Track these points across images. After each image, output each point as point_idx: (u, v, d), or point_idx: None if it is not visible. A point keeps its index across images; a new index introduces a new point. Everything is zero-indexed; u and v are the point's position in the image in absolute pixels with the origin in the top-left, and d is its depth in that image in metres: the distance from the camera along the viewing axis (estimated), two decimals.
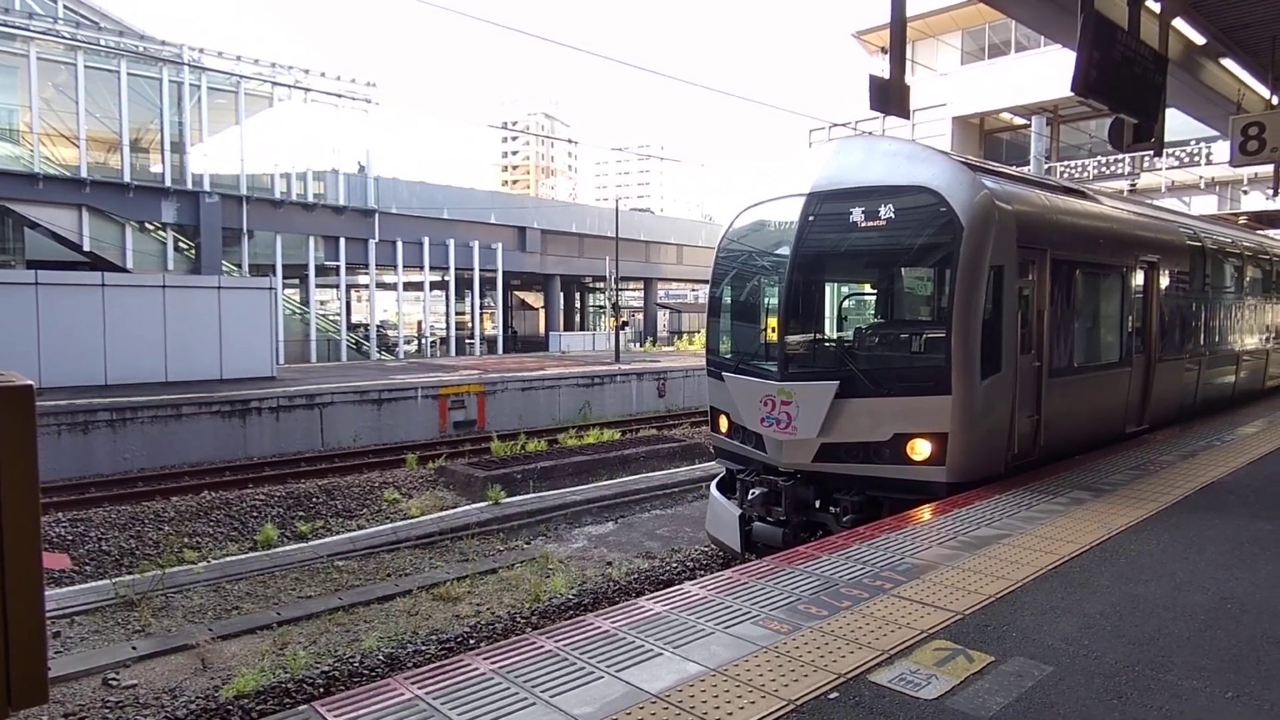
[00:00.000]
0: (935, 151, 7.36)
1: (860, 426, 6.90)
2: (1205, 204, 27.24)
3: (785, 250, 7.40)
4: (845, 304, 8.56)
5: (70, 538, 11.58)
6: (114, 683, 7.60)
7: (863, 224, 7.07)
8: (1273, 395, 14.32)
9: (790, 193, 7.61)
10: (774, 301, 7.59)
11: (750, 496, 7.54)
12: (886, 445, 6.86)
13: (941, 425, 6.67)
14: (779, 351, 7.32)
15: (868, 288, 8.72)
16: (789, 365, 7.28)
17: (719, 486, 8.56)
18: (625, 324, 39.72)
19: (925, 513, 6.18)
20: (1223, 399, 12.34)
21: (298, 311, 35.29)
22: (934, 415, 6.69)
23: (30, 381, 2.04)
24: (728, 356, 8.29)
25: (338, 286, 36.34)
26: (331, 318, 38.25)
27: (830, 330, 7.83)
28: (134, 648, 8.27)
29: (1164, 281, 10.03)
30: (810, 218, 7.31)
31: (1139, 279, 9.53)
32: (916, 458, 6.78)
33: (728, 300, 8.60)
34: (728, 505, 8.06)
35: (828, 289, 8.12)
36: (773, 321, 7.57)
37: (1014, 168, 9.53)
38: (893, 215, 6.94)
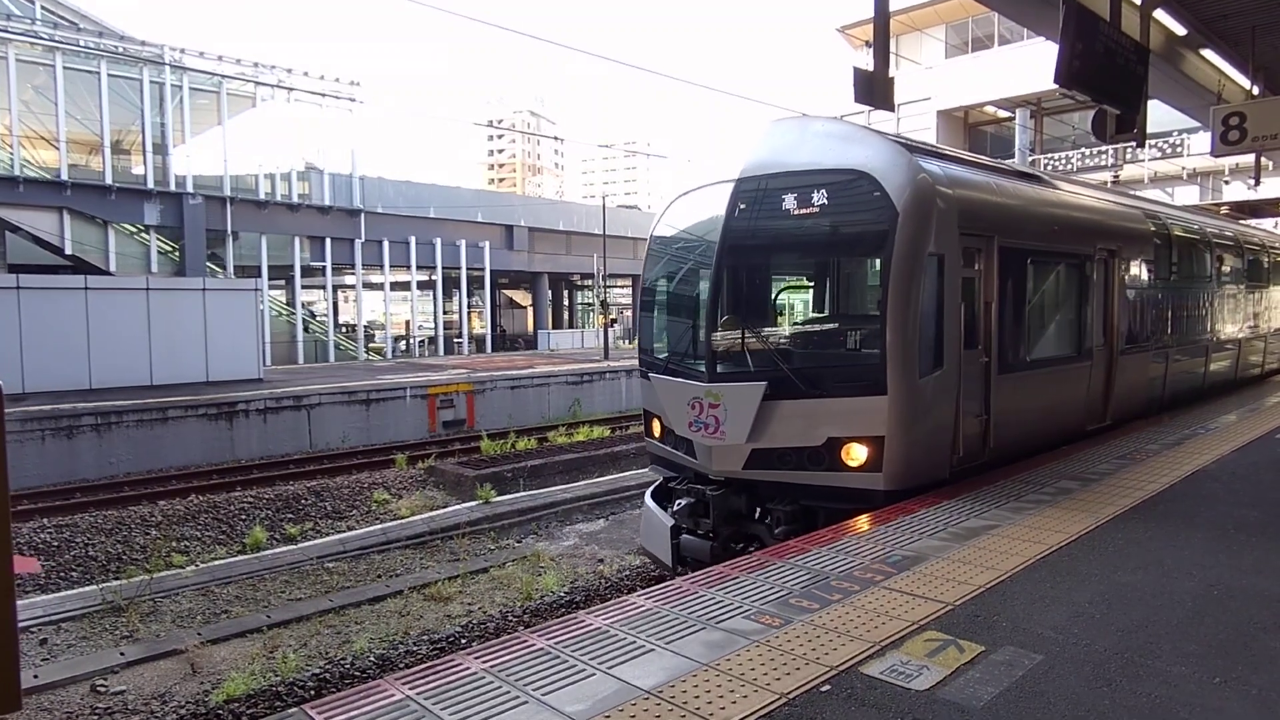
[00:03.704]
0: (870, 132, 6.91)
1: (792, 430, 6.44)
2: (1187, 195, 27.47)
3: (712, 241, 6.91)
4: (774, 298, 7.92)
5: (56, 544, 11.47)
6: (102, 689, 7.54)
7: (793, 211, 6.60)
8: (1246, 386, 13.99)
9: (719, 179, 7.11)
10: (701, 297, 7.07)
11: (676, 506, 7.12)
12: (821, 450, 6.38)
13: (877, 428, 6.19)
14: (705, 351, 6.80)
15: (799, 280, 8.23)
16: (716, 365, 6.78)
17: (654, 496, 7.93)
18: (614, 321, 39.70)
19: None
20: (1193, 391, 12.00)
21: (284, 313, 35.08)
22: (869, 417, 6.22)
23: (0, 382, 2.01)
24: (657, 356, 7.75)
25: (324, 287, 36.14)
26: (319, 318, 38.05)
27: (759, 327, 7.21)
28: (122, 654, 8.21)
29: (1127, 270, 9.66)
30: (738, 205, 6.83)
31: (1099, 268, 9.09)
32: (852, 463, 6.30)
33: (656, 296, 8.07)
34: (661, 516, 7.50)
35: (756, 282, 7.60)
36: (700, 318, 7.02)
37: (966, 152, 9.01)
38: (825, 201, 6.47)
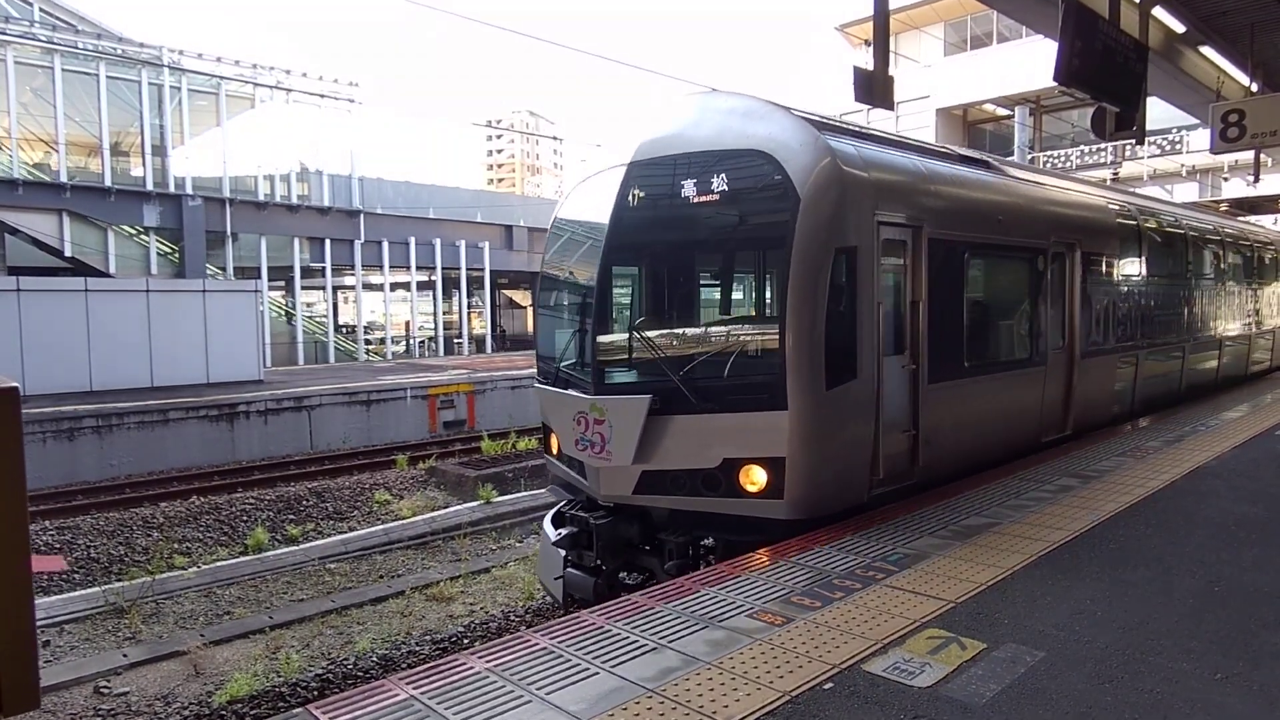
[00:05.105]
0: (775, 107, 6.04)
1: (684, 450, 5.70)
2: (1187, 191, 27.49)
3: (602, 234, 6.18)
4: (664, 299, 6.84)
5: (58, 545, 11.48)
6: (105, 691, 7.55)
7: (687, 198, 5.86)
8: (1229, 389, 13.21)
9: (615, 163, 6.37)
10: (587, 297, 6.31)
11: (556, 536, 6.41)
12: (717, 473, 5.64)
13: (777, 448, 5.43)
14: (591, 359, 6.05)
15: (696, 277, 7.22)
16: (603, 375, 6.03)
17: (555, 521, 6.95)
18: None
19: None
20: (1169, 395, 11.31)
21: (284, 314, 35.07)
22: (768, 435, 5.46)
23: (15, 383, 2.02)
24: (550, 363, 6.91)
25: (324, 288, 36.15)
26: (318, 319, 38.07)
27: (648, 331, 6.29)
28: (125, 655, 8.21)
29: (1089, 265, 8.90)
30: (629, 193, 6.08)
31: (1055, 263, 8.32)
32: (751, 488, 5.55)
33: (549, 295, 7.31)
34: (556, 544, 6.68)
35: (648, 281, 6.75)
36: (585, 322, 6.26)
37: (897, 134, 8.10)
38: (723, 186, 5.73)
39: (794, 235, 5.42)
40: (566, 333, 6.79)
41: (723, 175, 5.74)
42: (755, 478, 5.54)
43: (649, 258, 6.60)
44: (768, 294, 6.17)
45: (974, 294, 7.23)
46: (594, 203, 6.53)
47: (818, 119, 6.20)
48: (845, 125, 6.69)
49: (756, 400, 5.56)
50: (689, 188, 5.86)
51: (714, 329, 6.47)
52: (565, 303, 7.06)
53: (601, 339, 6.10)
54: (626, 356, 6.17)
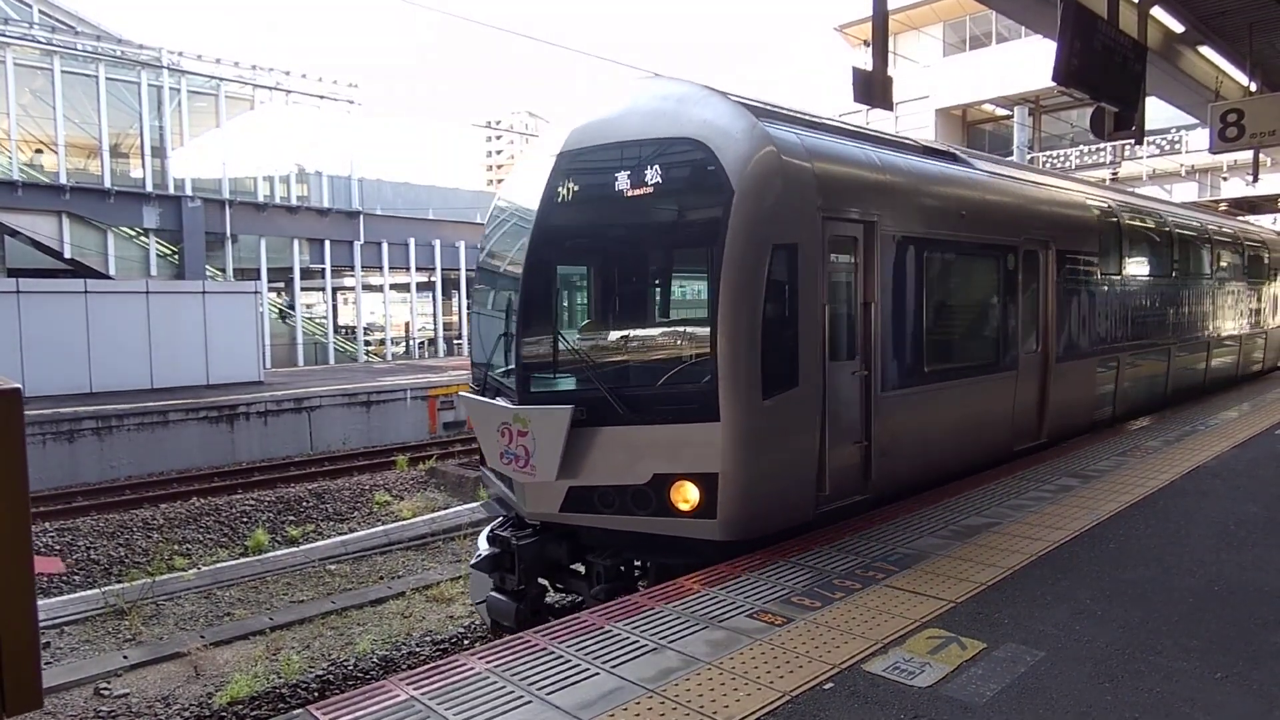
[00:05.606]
0: (710, 92, 5.61)
1: (612, 465, 5.30)
2: (1186, 191, 27.51)
3: (528, 230, 5.76)
4: (591, 301, 6.41)
5: (58, 547, 11.48)
6: (106, 692, 7.55)
7: (617, 191, 5.47)
8: (1219, 391, 12.95)
9: (544, 153, 5.96)
10: (511, 299, 5.91)
11: (477, 557, 6.02)
12: (647, 490, 5.22)
13: (710, 463, 5.03)
14: (515, 365, 5.62)
15: (627, 278, 6.57)
16: (526, 384, 5.60)
17: (491, 540, 6.51)
18: None
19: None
20: (1154, 400, 10.97)
21: (283, 315, 35.08)
22: (700, 449, 5.06)
23: (17, 384, 2.04)
24: (478, 369, 6.51)
25: (323, 289, 36.17)
26: (318, 321, 38.09)
27: (572, 336, 5.92)
28: (125, 657, 8.21)
29: (1066, 266, 8.53)
30: (556, 186, 5.67)
31: (1027, 262, 7.91)
32: (683, 506, 5.15)
33: (480, 296, 6.87)
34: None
35: (576, 282, 6.38)
36: (508, 326, 5.90)
37: (850, 123, 7.59)
38: (655, 179, 5.32)
39: (727, 230, 5.02)
40: (491, 338, 6.37)
41: (654, 166, 5.33)
42: (687, 495, 5.15)
43: (576, 255, 6.22)
44: (700, 295, 5.64)
45: (934, 295, 6.82)
46: (523, 197, 6.10)
47: (757, 105, 5.82)
48: (788, 112, 6.21)
49: (687, 411, 5.15)
50: (618, 180, 5.46)
51: (642, 333, 5.99)
52: (490, 305, 6.60)
53: (525, 344, 5.64)
54: (551, 363, 5.71)
